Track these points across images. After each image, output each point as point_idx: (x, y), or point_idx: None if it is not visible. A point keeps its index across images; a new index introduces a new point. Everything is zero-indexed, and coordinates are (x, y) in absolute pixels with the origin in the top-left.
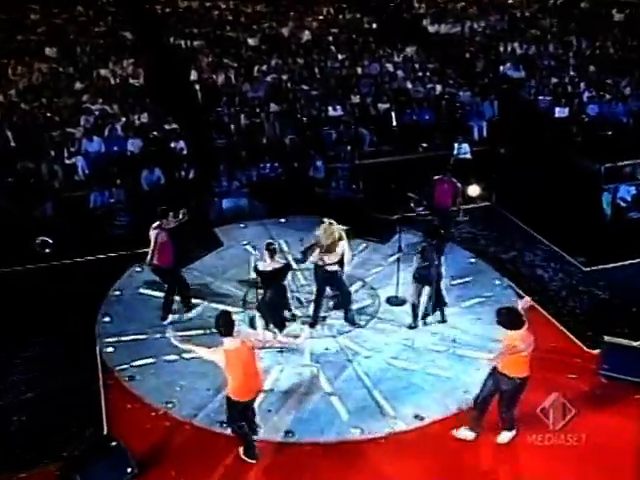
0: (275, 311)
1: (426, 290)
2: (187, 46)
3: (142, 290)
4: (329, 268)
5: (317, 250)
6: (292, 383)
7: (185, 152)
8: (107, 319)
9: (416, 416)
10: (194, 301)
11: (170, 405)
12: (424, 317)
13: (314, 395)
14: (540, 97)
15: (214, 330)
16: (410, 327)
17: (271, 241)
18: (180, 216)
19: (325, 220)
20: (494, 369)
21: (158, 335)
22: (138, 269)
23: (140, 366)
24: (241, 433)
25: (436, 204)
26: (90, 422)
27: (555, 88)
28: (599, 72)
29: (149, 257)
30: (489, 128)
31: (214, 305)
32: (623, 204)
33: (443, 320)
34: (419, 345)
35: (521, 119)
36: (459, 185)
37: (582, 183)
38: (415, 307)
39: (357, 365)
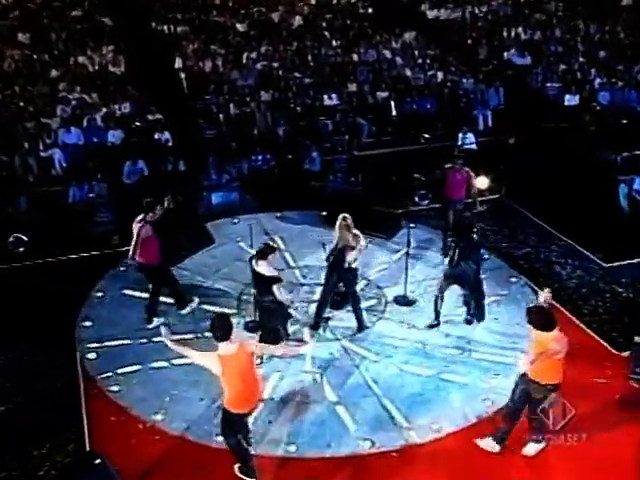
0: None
1: (459, 290)
2: (171, 32)
3: (126, 291)
4: (354, 265)
5: (351, 251)
6: (293, 392)
7: (170, 144)
8: (88, 323)
9: (431, 427)
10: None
11: (159, 417)
12: (469, 322)
13: (318, 405)
14: (548, 84)
15: (206, 334)
16: (431, 326)
17: (269, 242)
18: (165, 203)
19: (341, 216)
20: (524, 376)
21: (144, 340)
22: (122, 268)
23: (125, 374)
24: (239, 448)
25: (447, 196)
26: (71, 437)
27: (564, 75)
28: (610, 58)
29: (131, 252)
30: (495, 117)
31: (206, 307)
32: (639, 197)
33: (469, 321)
34: (432, 349)
35: (529, 107)
36: (472, 174)
37: (596, 174)
38: (437, 302)
39: (365, 371)
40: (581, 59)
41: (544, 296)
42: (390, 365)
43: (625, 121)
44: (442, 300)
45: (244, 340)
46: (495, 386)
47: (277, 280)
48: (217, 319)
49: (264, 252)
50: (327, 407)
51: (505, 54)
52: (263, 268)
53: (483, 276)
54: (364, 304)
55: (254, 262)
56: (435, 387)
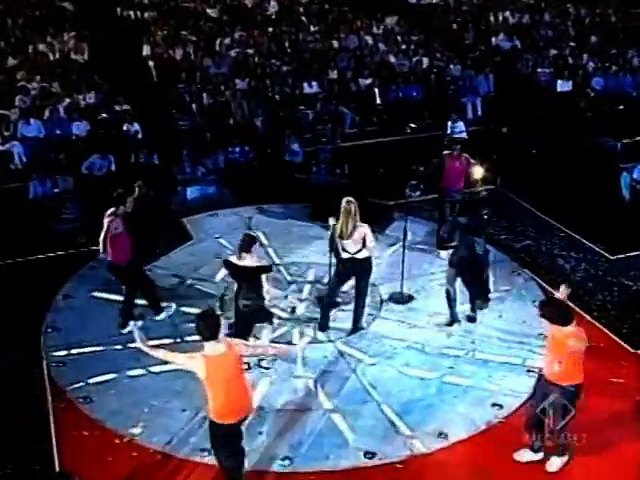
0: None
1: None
2: (138, 18)
3: (96, 293)
4: (360, 256)
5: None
6: (285, 399)
7: (141, 136)
8: (55, 329)
9: (438, 435)
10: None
11: (137, 431)
12: (471, 320)
13: (312, 413)
14: (539, 70)
15: (187, 338)
16: (449, 324)
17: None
18: (136, 191)
19: (345, 200)
20: (541, 378)
21: (118, 346)
22: (90, 268)
23: (98, 384)
24: (229, 465)
25: (445, 187)
26: (38, 455)
27: (555, 60)
28: (602, 42)
29: (101, 248)
30: (485, 105)
31: (185, 309)
32: (638, 186)
33: (471, 319)
34: (433, 349)
35: (520, 94)
36: (472, 161)
37: (596, 162)
38: (450, 296)
39: (362, 375)
40: (572, 44)
41: (563, 293)
42: (389, 368)
43: (622, 107)
44: (455, 292)
45: (233, 340)
46: (504, 389)
47: (268, 269)
48: (204, 316)
49: (247, 244)
50: (322, 415)
51: (493, 39)
52: (248, 261)
53: None
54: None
55: (235, 258)
56: (438, 391)
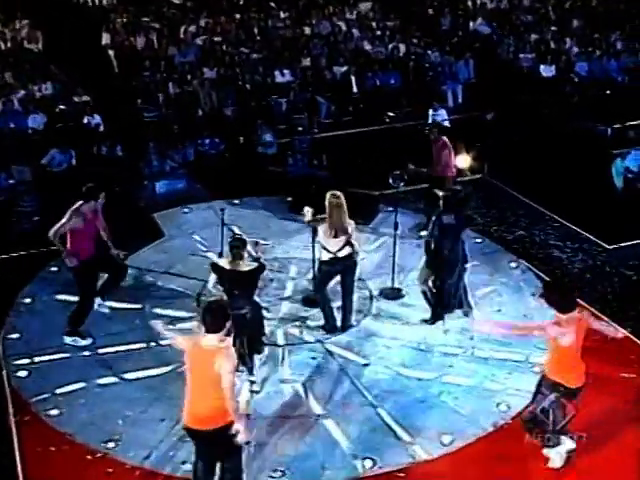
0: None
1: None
2: (95, 4)
3: (60, 296)
4: (342, 254)
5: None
6: (272, 406)
7: (102, 128)
8: (15, 335)
9: (441, 440)
10: (130, 306)
11: (111, 444)
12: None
13: (302, 420)
14: (521, 55)
15: (161, 342)
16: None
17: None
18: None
19: (329, 193)
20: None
21: (86, 352)
22: (54, 268)
23: (65, 394)
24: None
25: (435, 174)
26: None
27: (537, 45)
28: (584, 26)
29: (52, 233)
30: (466, 92)
31: (158, 311)
32: (630, 175)
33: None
34: (429, 347)
35: (502, 80)
36: (449, 143)
37: (585, 148)
38: (427, 295)
39: (354, 377)
40: (553, 28)
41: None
42: (383, 369)
43: (608, 92)
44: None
45: (229, 347)
46: (508, 387)
47: (262, 269)
48: (217, 305)
49: (239, 249)
50: (314, 422)
51: (471, 24)
52: (245, 266)
53: (476, 262)
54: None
55: (225, 262)
56: (438, 392)
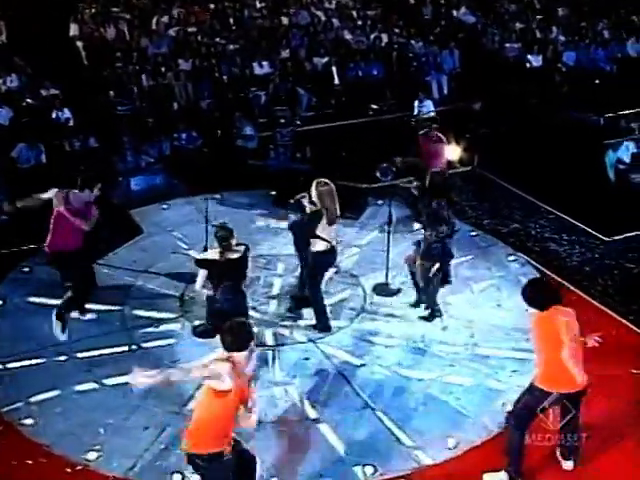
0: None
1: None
2: None
3: (32, 298)
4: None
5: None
6: (263, 410)
7: (72, 123)
8: None
9: (444, 444)
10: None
11: (92, 455)
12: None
13: (296, 425)
14: (507, 45)
15: (143, 345)
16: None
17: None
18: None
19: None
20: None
21: (62, 357)
22: (25, 269)
23: (40, 402)
24: None
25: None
26: None
27: (523, 34)
28: (570, 15)
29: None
30: (451, 82)
31: (139, 312)
32: (621, 166)
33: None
34: (428, 345)
35: (488, 70)
36: (444, 138)
37: (577, 138)
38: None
39: (350, 378)
40: (539, 17)
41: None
42: (380, 369)
43: (597, 81)
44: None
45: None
46: (513, 386)
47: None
48: (238, 324)
49: (226, 239)
50: (309, 427)
51: (454, 13)
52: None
53: (470, 256)
54: (338, 297)
55: (212, 254)
56: (439, 392)
